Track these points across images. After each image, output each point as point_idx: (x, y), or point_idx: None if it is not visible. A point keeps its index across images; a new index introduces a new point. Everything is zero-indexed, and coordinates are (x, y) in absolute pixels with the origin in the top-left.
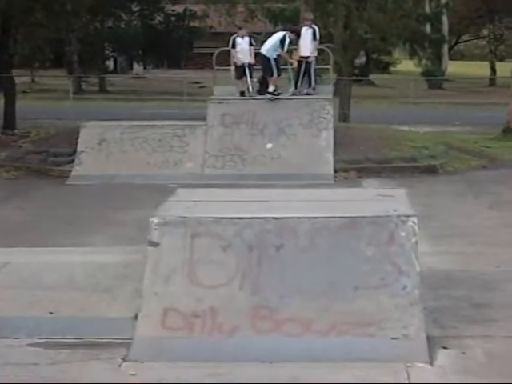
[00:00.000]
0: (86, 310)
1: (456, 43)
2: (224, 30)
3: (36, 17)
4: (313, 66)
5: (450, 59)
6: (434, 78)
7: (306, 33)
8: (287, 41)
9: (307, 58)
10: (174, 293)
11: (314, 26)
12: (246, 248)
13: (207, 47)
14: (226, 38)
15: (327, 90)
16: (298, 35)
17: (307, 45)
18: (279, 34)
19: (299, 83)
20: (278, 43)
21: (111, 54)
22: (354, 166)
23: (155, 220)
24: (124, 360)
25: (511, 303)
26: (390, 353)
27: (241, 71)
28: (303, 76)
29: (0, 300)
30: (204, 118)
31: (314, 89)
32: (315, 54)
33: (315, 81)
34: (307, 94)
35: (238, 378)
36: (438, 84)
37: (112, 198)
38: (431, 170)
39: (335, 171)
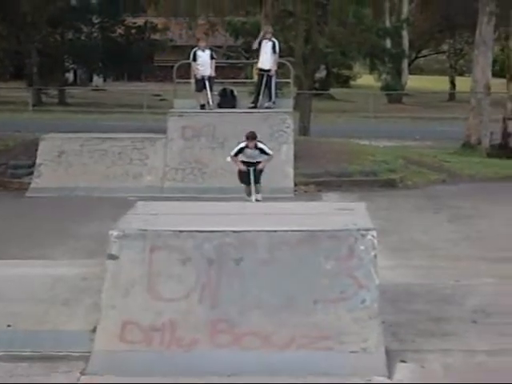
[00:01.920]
0: (45, 322)
1: (416, 58)
2: (185, 43)
3: None
4: (273, 80)
5: (410, 74)
6: (393, 92)
7: (266, 46)
8: None
9: (268, 71)
10: (132, 306)
11: (273, 39)
12: (205, 261)
13: (168, 60)
14: (186, 51)
15: (287, 103)
16: (259, 46)
17: (267, 58)
18: None
19: (260, 96)
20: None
21: (71, 66)
22: (314, 179)
23: (114, 233)
24: (82, 373)
25: (470, 317)
26: (348, 366)
27: (201, 84)
28: (264, 89)
29: None
30: (164, 131)
31: (274, 102)
32: (275, 68)
33: (276, 94)
34: (267, 108)
35: None
36: (398, 98)
37: (71, 211)
38: (391, 184)
39: (295, 185)
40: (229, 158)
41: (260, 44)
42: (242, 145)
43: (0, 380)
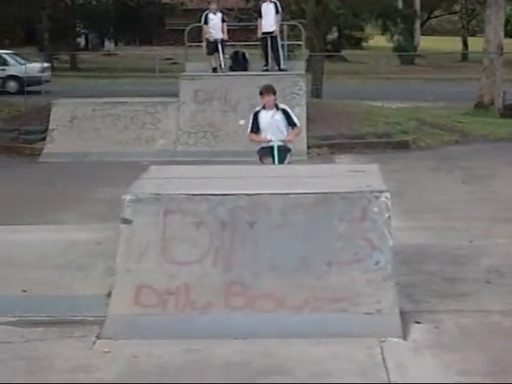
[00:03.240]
0: (59, 288)
1: (428, 18)
2: (196, 7)
3: None
4: (279, 40)
5: (422, 34)
6: (406, 53)
7: (268, 8)
8: None
9: (271, 33)
10: (147, 270)
11: (273, 0)
12: (218, 225)
13: (179, 23)
14: (197, 15)
15: (300, 65)
16: (259, 13)
17: (271, 20)
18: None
19: (269, 59)
20: None
21: (82, 31)
22: (327, 142)
23: (128, 197)
24: (98, 337)
25: (483, 278)
26: (363, 328)
27: (213, 47)
28: (270, 52)
29: None
30: (176, 95)
31: (280, 65)
32: (279, 28)
33: (284, 55)
34: (283, 70)
35: (211, 355)
36: (410, 59)
37: (84, 176)
38: (404, 146)
39: (308, 147)
40: (241, 121)
41: (260, 9)
42: (257, 109)
43: (16, 345)
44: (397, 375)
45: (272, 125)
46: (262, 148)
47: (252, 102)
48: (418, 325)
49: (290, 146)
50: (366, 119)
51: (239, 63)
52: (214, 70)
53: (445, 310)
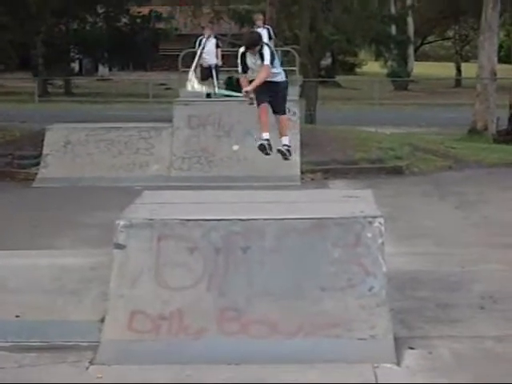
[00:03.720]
0: (52, 313)
1: (421, 44)
2: (190, 32)
3: (1, 20)
4: None
5: (416, 60)
6: (399, 79)
7: (262, 33)
8: None
9: None
10: (140, 295)
11: (266, 26)
12: (212, 250)
13: (173, 49)
14: (191, 40)
15: (293, 91)
16: None
17: None
18: None
19: None
20: None
21: (76, 56)
22: (321, 167)
23: (121, 222)
24: (91, 363)
25: (477, 303)
26: (357, 354)
27: (207, 72)
28: None
29: None
30: (170, 120)
31: None
32: None
33: None
34: None
35: (204, 380)
36: (404, 85)
37: (78, 201)
38: (397, 171)
39: (302, 173)
40: (235, 147)
41: None
42: (242, 50)
43: (8, 370)
44: None
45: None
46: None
47: (246, 128)
48: (412, 350)
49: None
50: (360, 145)
51: (233, 88)
52: (208, 95)
53: (438, 336)
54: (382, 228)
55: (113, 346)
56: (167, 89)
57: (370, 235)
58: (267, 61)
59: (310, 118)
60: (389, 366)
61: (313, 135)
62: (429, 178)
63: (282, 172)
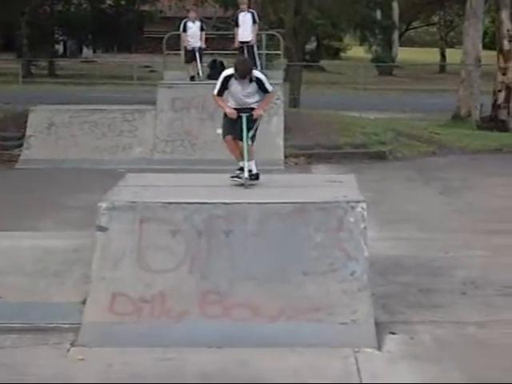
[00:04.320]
0: (35, 295)
1: (406, 30)
2: (174, 15)
3: None
4: (255, 49)
5: (401, 46)
6: (384, 64)
7: (245, 18)
8: None
9: (248, 42)
10: (122, 278)
11: (251, 10)
12: (195, 233)
13: (157, 31)
14: (176, 23)
15: (278, 75)
16: (236, 23)
17: (248, 29)
18: None
19: None
20: None
21: (61, 37)
22: (304, 151)
23: (104, 205)
24: (72, 345)
25: (459, 289)
26: (338, 338)
27: (191, 55)
28: None
29: None
30: (154, 103)
31: (261, 69)
32: (255, 38)
33: (261, 65)
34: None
35: (186, 363)
36: (388, 70)
37: (61, 183)
38: (381, 157)
39: (285, 157)
40: (219, 130)
41: (237, 18)
42: (227, 73)
43: None
44: None
45: (243, 95)
46: (229, 120)
47: None
48: (393, 335)
49: (259, 113)
50: (344, 129)
51: (217, 72)
52: (192, 78)
53: (420, 321)
54: (365, 213)
55: (94, 328)
56: (152, 71)
57: (352, 220)
58: (271, 88)
59: (294, 101)
60: (370, 350)
61: (297, 119)
62: (412, 164)
63: (265, 156)
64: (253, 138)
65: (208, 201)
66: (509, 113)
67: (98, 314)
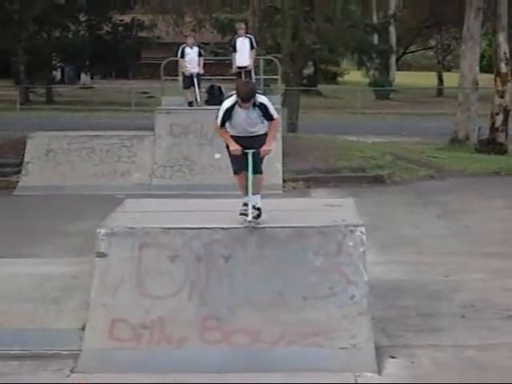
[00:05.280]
0: (34, 321)
1: (404, 54)
2: (172, 41)
3: None
4: (252, 74)
5: (398, 70)
6: (381, 88)
7: (243, 43)
8: None
9: (246, 67)
10: (122, 304)
11: (248, 35)
12: (194, 258)
13: (155, 57)
14: (173, 48)
15: (275, 100)
16: (234, 48)
17: (245, 54)
18: None
19: None
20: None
21: (58, 64)
22: (303, 176)
23: (103, 231)
24: (72, 371)
25: (458, 312)
26: (338, 362)
27: (189, 81)
28: None
29: None
30: (152, 129)
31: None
32: (253, 63)
33: (260, 90)
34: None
35: None
36: (386, 94)
37: (59, 209)
38: (379, 180)
39: (283, 181)
40: (217, 155)
41: (235, 43)
42: (229, 103)
43: None
44: None
45: (247, 124)
46: (235, 156)
47: None
48: (393, 359)
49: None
50: (342, 154)
51: (215, 97)
52: (190, 103)
53: (420, 345)
54: (364, 237)
55: (94, 354)
56: (149, 97)
57: (351, 244)
58: (276, 115)
59: (291, 126)
60: (370, 375)
61: (295, 144)
62: (410, 187)
63: (263, 181)
64: (260, 171)
65: (207, 226)
66: (507, 136)
67: (97, 340)
